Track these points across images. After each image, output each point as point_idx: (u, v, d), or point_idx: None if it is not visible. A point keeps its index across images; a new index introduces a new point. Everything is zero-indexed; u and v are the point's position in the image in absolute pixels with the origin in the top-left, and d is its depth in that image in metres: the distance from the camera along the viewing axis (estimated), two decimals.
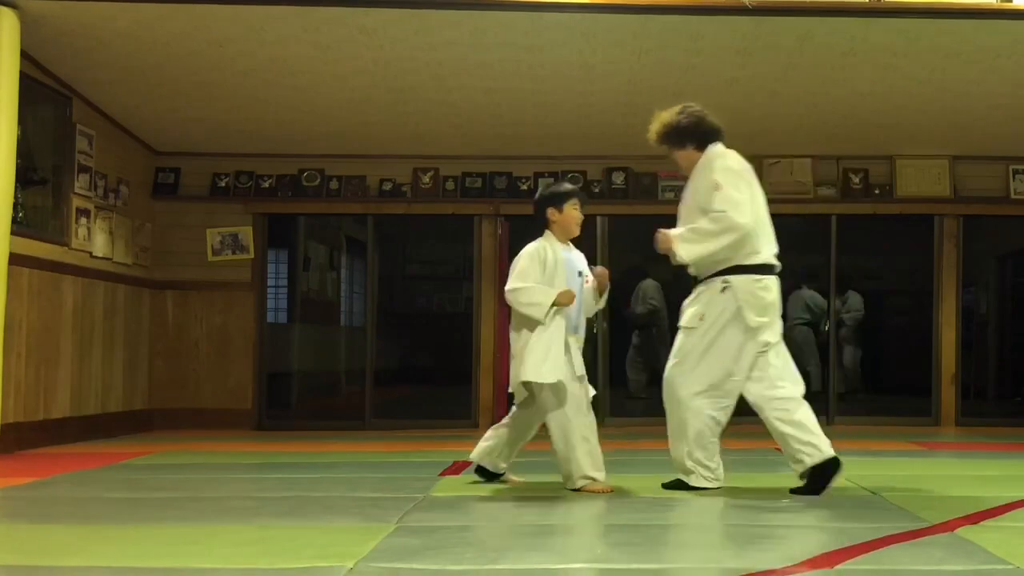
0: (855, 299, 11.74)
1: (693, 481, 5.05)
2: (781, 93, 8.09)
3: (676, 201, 9.33)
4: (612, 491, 4.95)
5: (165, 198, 9.44)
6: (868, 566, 3.24)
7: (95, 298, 8.22)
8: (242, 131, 8.93)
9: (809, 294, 11.11)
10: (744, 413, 9.89)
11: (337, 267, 12.80)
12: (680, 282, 13.20)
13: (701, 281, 5.14)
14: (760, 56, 7.43)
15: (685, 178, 5.37)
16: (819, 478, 4.91)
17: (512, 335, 5.06)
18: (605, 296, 5.35)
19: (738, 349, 4.99)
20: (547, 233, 5.27)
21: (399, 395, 10.92)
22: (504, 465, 5.27)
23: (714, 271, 5.03)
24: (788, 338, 5.32)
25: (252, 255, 9.45)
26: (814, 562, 3.24)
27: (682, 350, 5.08)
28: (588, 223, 9.68)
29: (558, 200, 5.29)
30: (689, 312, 5.11)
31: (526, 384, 4.97)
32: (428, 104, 8.30)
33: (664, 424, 5.21)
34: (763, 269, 5.01)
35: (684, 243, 5.00)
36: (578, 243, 5.49)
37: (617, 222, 9.82)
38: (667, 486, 5.13)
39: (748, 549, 3.55)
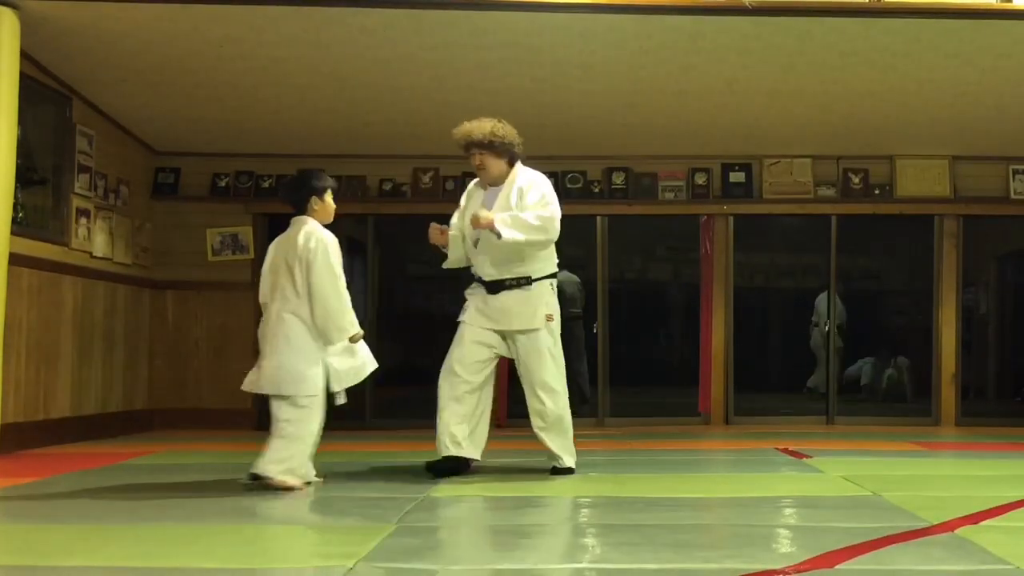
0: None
1: (571, 462, 5.68)
2: (781, 93, 8.09)
3: (676, 201, 9.54)
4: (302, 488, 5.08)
5: (165, 198, 9.44)
6: (868, 566, 3.24)
7: (95, 298, 8.22)
8: (242, 131, 8.93)
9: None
10: (743, 413, 9.93)
11: None
12: (680, 282, 13.19)
13: (518, 283, 5.60)
14: (760, 56, 7.43)
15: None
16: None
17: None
18: None
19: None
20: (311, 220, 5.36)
21: (399, 395, 10.90)
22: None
23: (544, 274, 5.64)
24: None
25: (252, 255, 9.44)
26: (814, 562, 3.24)
27: (548, 348, 5.61)
28: (588, 223, 9.83)
29: (321, 190, 5.40)
30: (540, 313, 5.59)
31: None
32: (428, 104, 8.30)
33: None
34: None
35: (507, 227, 5.43)
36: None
37: (617, 222, 9.82)
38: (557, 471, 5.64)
39: (748, 549, 3.55)
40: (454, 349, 5.67)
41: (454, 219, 5.87)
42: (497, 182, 5.70)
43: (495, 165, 5.68)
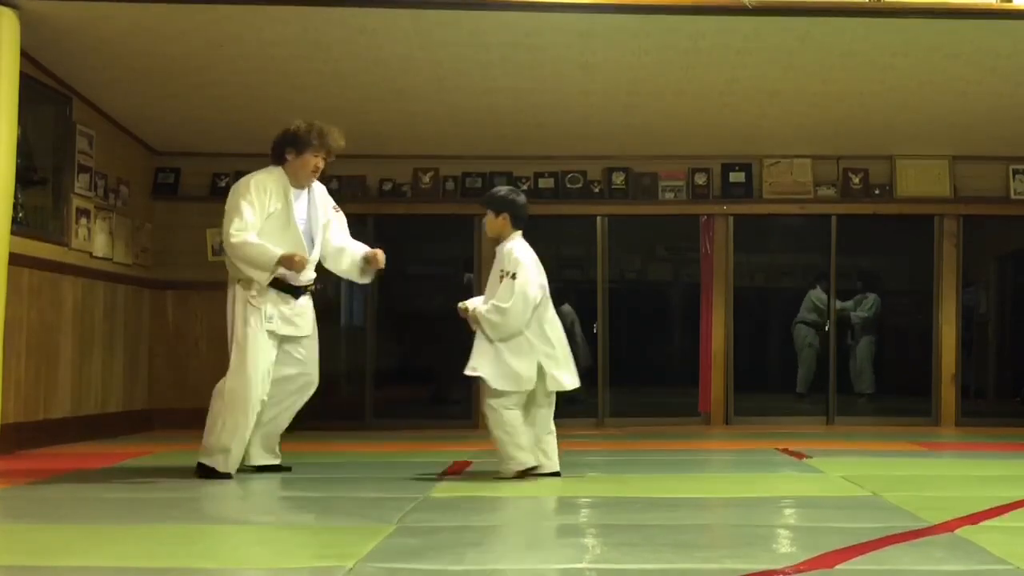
0: (869, 300, 11.81)
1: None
2: (781, 93, 8.09)
3: (676, 201, 9.54)
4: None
5: (165, 198, 9.43)
6: (868, 566, 3.24)
7: (95, 298, 8.22)
8: (242, 131, 8.90)
9: (818, 294, 11.08)
10: (743, 413, 9.93)
11: None
12: (680, 282, 13.19)
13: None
14: (760, 56, 7.43)
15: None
16: None
17: None
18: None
19: None
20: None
21: (399, 395, 10.91)
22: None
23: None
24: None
25: None
26: (814, 562, 3.24)
27: None
28: (588, 223, 9.83)
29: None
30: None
31: None
32: (428, 104, 8.30)
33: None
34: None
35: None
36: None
37: (617, 222, 9.82)
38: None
39: (748, 549, 3.55)
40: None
41: (253, 218, 5.51)
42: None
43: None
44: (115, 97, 8.12)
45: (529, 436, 5.37)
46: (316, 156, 5.65)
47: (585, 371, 11.59)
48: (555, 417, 5.48)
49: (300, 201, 5.69)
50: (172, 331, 9.39)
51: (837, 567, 3.19)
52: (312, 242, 5.68)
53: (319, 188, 5.82)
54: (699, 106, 8.36)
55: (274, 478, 5.65)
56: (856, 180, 9.60)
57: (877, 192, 9.59)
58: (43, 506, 4.68)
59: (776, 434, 8.52)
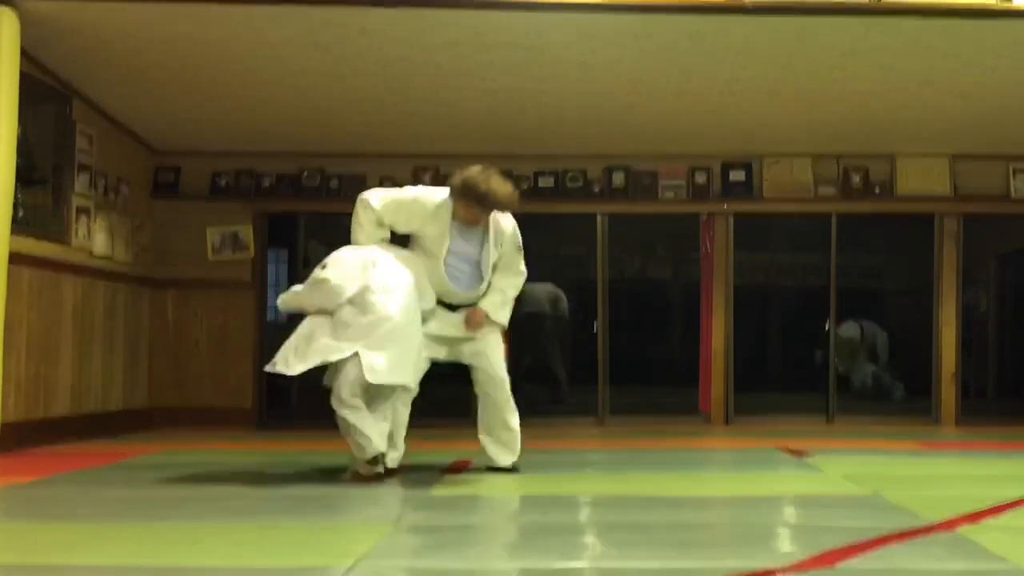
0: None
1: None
2: (781, 93, 8.09)
3: (676, 200, 9.54)
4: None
5: (165, 197, 9.43)
6: (868, 566, 3.24)
7: (95, 298, 8.22)
8: (242, 130, 8.93)
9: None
10: (743, 412, 9.92)
11: None
12: (680, 281, 13.18)
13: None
14: (760, 56, 7.43)
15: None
16: None
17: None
18: None
19: None
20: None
21: None
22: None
23: None
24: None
25: (252, 254, 9.45)
26: (814, 561, 3.25)
27: None
28: (588, 222, 9.83)
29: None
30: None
31: None
32: (428, 104, 8.30)
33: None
34: None
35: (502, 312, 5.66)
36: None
37: (617, 221, 9.82)
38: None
39: (749, 548, 3.56)
40: None
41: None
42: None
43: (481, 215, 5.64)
44: (115, 97, 8.13)
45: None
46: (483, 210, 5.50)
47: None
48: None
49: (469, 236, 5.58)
50: (172, 330, 9.39)
51: (838, 566, 3.19)
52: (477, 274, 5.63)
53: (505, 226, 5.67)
54: (699, 106, 8.35)
55: (272, 478, 5.66)
56: (856, 179, 9.59)
57: (877, 191, 9.58)
58: (43, 506, 4.68)
59: (776, 433, 8.51)
